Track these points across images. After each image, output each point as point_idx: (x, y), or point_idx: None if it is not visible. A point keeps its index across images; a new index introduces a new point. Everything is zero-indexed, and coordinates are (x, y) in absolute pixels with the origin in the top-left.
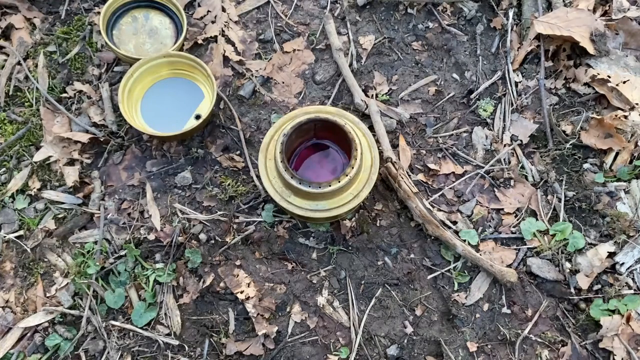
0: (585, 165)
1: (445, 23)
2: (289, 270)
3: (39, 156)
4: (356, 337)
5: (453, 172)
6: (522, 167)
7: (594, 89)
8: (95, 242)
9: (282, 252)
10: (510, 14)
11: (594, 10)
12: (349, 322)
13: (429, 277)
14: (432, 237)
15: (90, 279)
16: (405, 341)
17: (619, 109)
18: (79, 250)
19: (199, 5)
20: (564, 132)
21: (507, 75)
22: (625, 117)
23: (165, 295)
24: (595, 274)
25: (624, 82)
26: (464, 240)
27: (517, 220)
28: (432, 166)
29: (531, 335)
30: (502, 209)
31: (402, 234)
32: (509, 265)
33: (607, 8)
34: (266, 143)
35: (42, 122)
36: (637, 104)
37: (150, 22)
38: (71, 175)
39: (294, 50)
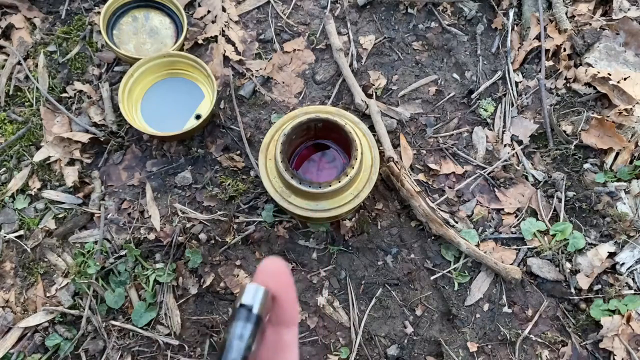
0: (586, 165)
1: (445, 23)
2: None
3: (39, 156)
4: (356, 337)
5: (453, 172)
6: (523, 167)
7: (594, 88)
8: (95, 242)
9: (282, 252)
10: (511, 14)
11: (594, 10)
12: (349, 322)
13: (430, 277)
14: (433, 237)
15: (90, 278)
16: (406, 341)
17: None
18: (79, 250)
19: (199, 5)
20: (564, 132)
21: (507, 75)
22: (630, 112)
23: (165, 295)
24: (595, 274)
25: (625, 79)
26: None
27: (518, 220)
28: (432, 166)
29: (531, 336)
30: (503, 209)
31: (403, 234)
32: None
33: (607, 8)
34: (266, 143)
35: (42, 122)
36: (638, 102)
37: (151, 22)
38: (71, 175)
39: (294, 50)
